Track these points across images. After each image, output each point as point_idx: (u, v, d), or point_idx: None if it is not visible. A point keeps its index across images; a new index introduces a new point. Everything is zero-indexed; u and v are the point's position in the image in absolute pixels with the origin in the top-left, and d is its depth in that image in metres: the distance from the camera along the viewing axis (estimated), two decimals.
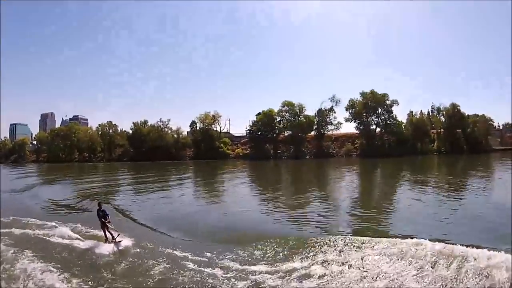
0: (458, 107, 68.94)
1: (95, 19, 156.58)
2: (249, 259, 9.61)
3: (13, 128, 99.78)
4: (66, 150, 73.23)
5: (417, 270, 8.10)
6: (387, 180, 32.32)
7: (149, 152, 61.39)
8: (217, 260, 9.47)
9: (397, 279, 7.79)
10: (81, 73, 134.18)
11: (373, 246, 9.80)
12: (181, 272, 8.70)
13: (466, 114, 69.75)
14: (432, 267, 8.16)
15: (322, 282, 7.95)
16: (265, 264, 9.17)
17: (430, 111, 66.99)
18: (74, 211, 18.26)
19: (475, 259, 8.13)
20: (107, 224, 11.92)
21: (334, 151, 60.37)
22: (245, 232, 12.75)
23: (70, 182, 33.84)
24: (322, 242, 10.44)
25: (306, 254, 9.68)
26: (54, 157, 71.59)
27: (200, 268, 8.87)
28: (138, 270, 9.15)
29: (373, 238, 10.50)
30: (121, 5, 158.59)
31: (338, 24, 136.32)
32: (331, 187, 28.38)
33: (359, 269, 8.47)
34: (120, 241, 11.51)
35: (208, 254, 9.90)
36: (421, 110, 67.58)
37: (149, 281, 8.41)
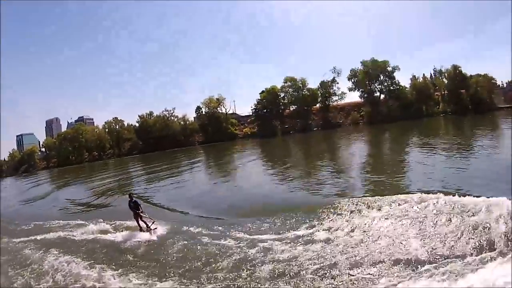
0: (459, 68, 68.87)
1: (95, 19, 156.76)
2: (259, 230, 10.36)
3: (19, 139, 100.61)
4: (75, 152, 73.74)
5: (431, 222, 8.45)
6: (395, 144, 32.83)
7: (158, 142, 62.02)
8: (232, 232, 10.30)
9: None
10: (81, 74, 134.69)
11: (381, 206, 10.15)
12: (225, 249, 9.09)
13: (468, 75, 69.55)
14: (449, 219, 8.37)
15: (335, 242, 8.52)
16: (274, 233, 9.73)
17: (432, 74, 66.80)
18: (95, 208, 18.45)
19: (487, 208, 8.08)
20: (141, 214, 12.02)
21: (340, 121, 60.71)
22: (259, 204, 13.52)
23: (83, 182, 34.04)
24: (332, 207, 10.94)
25: (314, 221, 10.17)
26: (64, 161, 71.98)
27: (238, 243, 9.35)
28: (167, 252, 9.52)
29: (382, 197, 10.85)
30: (121, 5, 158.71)
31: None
32: (341, 155, 28.90)
33: (368, 229, 8.98)
34: (155, 228, 11.67)
35: (241, 228, 10.60)
36: (423, 74, 67.32)
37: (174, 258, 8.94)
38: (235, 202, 15.03)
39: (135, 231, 11.83)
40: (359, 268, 7.09)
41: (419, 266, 6.82)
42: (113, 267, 8.85)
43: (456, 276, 5.96)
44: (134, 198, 12.49)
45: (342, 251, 7.95)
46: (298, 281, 6.93)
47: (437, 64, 70.81)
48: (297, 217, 10.77)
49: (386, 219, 9.26)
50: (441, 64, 68.25)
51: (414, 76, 68.03)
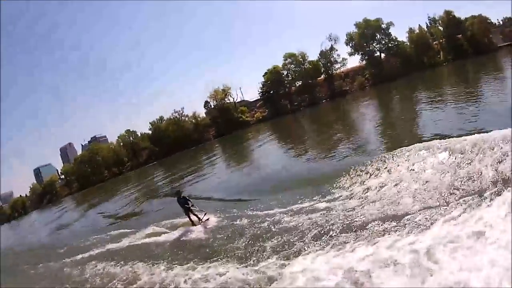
0: (452, 14, 68.69)
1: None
2: (269, 205, 11.11)
3: (37, 172, 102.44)
4: (94, 173, 75.06)
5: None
6: (404, 102, 32.88)
7: (173, 145, 62.99)
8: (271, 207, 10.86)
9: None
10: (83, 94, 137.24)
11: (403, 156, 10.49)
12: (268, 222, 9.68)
13: (463, 18, 69.28)
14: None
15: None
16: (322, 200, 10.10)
17: (428, 23, 66.76)
18: (137, 216, 18.08)
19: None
20: (191, 208, 12.09)
21: (347, 88, 61.19)
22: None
23: (110, 198, 34.12)
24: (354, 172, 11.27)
25: (326, 190, 10.69)
26: (85, 183, 73.13)
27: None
28: (224, 237, 9.88)
29: (401, 148, 11.10)
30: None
31: None
32: (354, 121, 29.40)
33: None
34: (207, 219, 11.89)
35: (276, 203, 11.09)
36: (419, 25, 67.27)
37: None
38: (265, 182, 15.40)
39: (188, 226, 12.05)
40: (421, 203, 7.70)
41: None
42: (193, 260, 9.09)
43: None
44: (182, 195, 12.53)
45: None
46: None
47: (430, 12, 69.77)
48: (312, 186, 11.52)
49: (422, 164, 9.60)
50: (434, 12, 67.76)
51: (410, 29, 68.05)
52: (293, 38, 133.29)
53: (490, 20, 76.64)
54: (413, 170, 9.56)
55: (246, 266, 7.57)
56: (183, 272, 8.35)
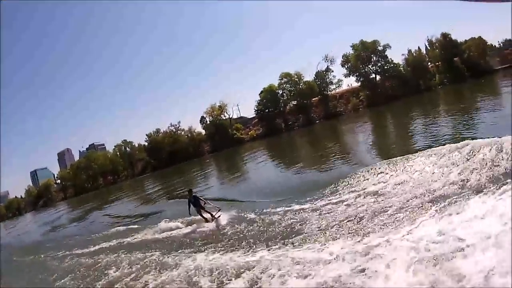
0: (449, 36, 69.11)
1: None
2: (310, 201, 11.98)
3: (34, 174, 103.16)
4: (90, 180, 75.84)
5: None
6: (399, 120, 33.90)
7: (169, 158, 63.75)
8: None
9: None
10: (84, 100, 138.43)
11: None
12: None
13: (461, 41, 69.62)
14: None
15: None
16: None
17: (427, 45, 67.33)
18: (142, 218, 18.81)
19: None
20: (203, 205, 12.58)
21: (341, 109, 61.79)
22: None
23: (108, 203, 35.03)
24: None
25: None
26: (80, 189, 74.05)
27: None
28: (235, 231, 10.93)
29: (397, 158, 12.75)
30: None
31: None
32: (347, 139, 30.29)
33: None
34: (219, 216, 12.33)
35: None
36: (418, 47, 67.92)
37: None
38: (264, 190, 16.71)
39: (201, 222, 12.65)
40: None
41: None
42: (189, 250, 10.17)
43: None
44: (193, 193, 12.96)
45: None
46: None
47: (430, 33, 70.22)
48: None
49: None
50: (432, 34, 68.24)
51: (409, 51, 68.27)
52: (291, 56, 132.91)
53: (487, 42, 77.98)
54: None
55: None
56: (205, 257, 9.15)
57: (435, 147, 12.82)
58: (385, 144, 20.69)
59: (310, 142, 40.52)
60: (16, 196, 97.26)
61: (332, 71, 62.97)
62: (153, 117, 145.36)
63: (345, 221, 9.05)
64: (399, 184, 10.58)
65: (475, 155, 10.10)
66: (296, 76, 61.66)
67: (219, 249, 9.69)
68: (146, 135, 70.04)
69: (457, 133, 15.46)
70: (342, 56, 61.80)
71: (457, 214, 7.24)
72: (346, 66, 61.80)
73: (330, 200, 11.18)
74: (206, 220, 12.49)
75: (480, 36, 73.54)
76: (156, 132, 69.14)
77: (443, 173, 10.01)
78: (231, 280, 7.53)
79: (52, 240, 21.30)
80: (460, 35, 71.19)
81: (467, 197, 8.01)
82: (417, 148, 14.67)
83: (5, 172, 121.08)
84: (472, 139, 11.77)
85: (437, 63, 68.56)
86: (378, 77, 63.42)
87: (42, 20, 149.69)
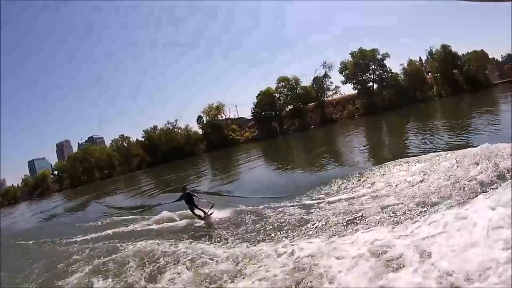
0: (449, 48, 69.25)
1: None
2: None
3: (31, 164, 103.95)
4: (86, 173, 76.49)
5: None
6: (394, 129, 34.40)
7: (165, 155, 64.36)
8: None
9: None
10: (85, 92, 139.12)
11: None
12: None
13: (461, 54, 69.80)
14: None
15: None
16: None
17: (427, 56, 67.71)
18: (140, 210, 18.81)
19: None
20: (196, 203, 12.38)
21: (337, 116, 62.30)
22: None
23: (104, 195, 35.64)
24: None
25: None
26: (76, 181, 74.71)
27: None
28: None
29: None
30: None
31: None
32: (342, 145, 30.83)
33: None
34: (212, 213, 12.15)
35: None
36: (419, 57, 68.33)
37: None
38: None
39: (194, 218, 12.58)
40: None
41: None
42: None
43: None
44: (188, 191, 12.70)
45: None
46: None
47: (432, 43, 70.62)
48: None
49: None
50: (431, 45, 68.51)
51: (411, 60, 68.17)
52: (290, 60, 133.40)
53: (489, 56, 77.81)
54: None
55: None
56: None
57: (415, 156, 13.84)
58: (368, 151, 21.42)
59: (300, 145, 41.18)
60: (12, 185, 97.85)
61: (330, 77, 63.62)
62: (153, 112, 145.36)
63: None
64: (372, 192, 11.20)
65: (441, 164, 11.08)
66: (293, 81, 62.33)
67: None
68: (144, 131, 70.75)
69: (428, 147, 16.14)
70: (341, 63, 62.51)
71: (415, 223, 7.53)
72: (343, 73, 62.34)
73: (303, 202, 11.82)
74: (199, 218, 12.41)
75: (482, 50, 73.81)
76: (153, 129, 69.80)
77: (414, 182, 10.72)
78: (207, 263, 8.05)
79: (40, 227, 21.92)
80: (462, 48, 71.39)
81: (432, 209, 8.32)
82: (397, 156, 15.26)
83: (3, 160, 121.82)
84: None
85: (436, 75, 68.98)
86: (375, 86, 63.92)
87: (44, 12, 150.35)
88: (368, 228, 8.09)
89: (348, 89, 65.57)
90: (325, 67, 62.73)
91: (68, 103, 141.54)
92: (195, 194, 12.78)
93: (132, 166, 71.74)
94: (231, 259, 7.93)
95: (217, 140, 62.27)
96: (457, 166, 10.70)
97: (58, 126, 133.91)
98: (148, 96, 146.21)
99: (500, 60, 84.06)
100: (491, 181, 8.97)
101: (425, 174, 11.12)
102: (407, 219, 8.01)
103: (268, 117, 63.35)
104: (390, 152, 18.38)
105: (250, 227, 10.41)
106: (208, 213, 12.18)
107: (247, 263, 7.59)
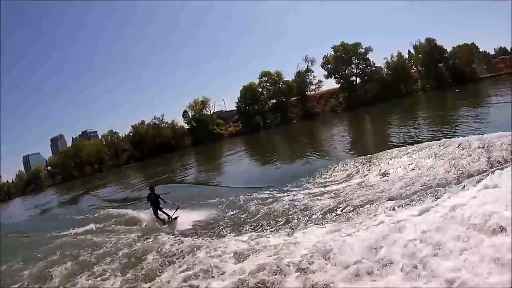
0: (434, 41, 69.19)
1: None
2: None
3: (26, 159, 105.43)
4: (77, 168, 77.86)
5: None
6: (376, 123, 34.82)
7: (152, 149, 65.58)
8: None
9: None
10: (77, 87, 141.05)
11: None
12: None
13: (451, 48, 69.67)
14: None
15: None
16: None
17: (411, 49, 67.89)
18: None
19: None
20: (160, 207, 11.60)
21: (319, 110, 62.89)
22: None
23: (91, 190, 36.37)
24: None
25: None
26: (68, 176, 76.07)
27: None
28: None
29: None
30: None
31: None
32: (324, 138, 31.57)
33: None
34: (177, 218, 11.40)
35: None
36: (408, 50, 68.72)
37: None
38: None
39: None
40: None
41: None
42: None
43: None
44: (155, 191, 11.92)
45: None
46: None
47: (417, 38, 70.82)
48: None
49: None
50: (417, 39, 68.64)
51: (392, 55, 68.15)
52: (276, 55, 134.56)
53: (480, 50, 77.15)
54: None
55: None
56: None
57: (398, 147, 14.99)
58: (347, 144, 22.50)
59: (281, 140, 42.11)
60: (7, 181, 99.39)
61: (313, 72, 64.03)
62: (147, 105, 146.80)
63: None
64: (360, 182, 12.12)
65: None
66: (276, 75, 62.89)
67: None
68: (132, 126, 71.93)
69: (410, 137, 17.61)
70: (323, 57, 62.84)
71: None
72: (325, 68, 62.79)
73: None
74: (163, 222, 11.50)
75: (473, 43, 73.36)
76: (141, 124, 70.92)
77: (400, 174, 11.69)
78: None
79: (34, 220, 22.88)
80: (454, 41, 70.93)
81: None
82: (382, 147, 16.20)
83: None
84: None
85: (421, 68, 68.86)
86: (358, 80, 64.23)
87: (42, 11, 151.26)
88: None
89: (332, 84, 66.18)
90: (307, 62, 63.20)
91: (63, 98, 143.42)
92: (161, 197, 11.83)
93: (121, 161, 73.06)
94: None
95: (202, 134, 63.24)
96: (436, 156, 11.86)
97: (52, 120, 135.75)
98: (140, 90, 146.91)
99: (493, 54, 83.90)
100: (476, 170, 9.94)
101: (410, 164, 12.14)
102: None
103: (252, 111, 63.96)
104: (370, 145, 19.54)
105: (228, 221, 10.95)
106: (173, 217, 11.39)
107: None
